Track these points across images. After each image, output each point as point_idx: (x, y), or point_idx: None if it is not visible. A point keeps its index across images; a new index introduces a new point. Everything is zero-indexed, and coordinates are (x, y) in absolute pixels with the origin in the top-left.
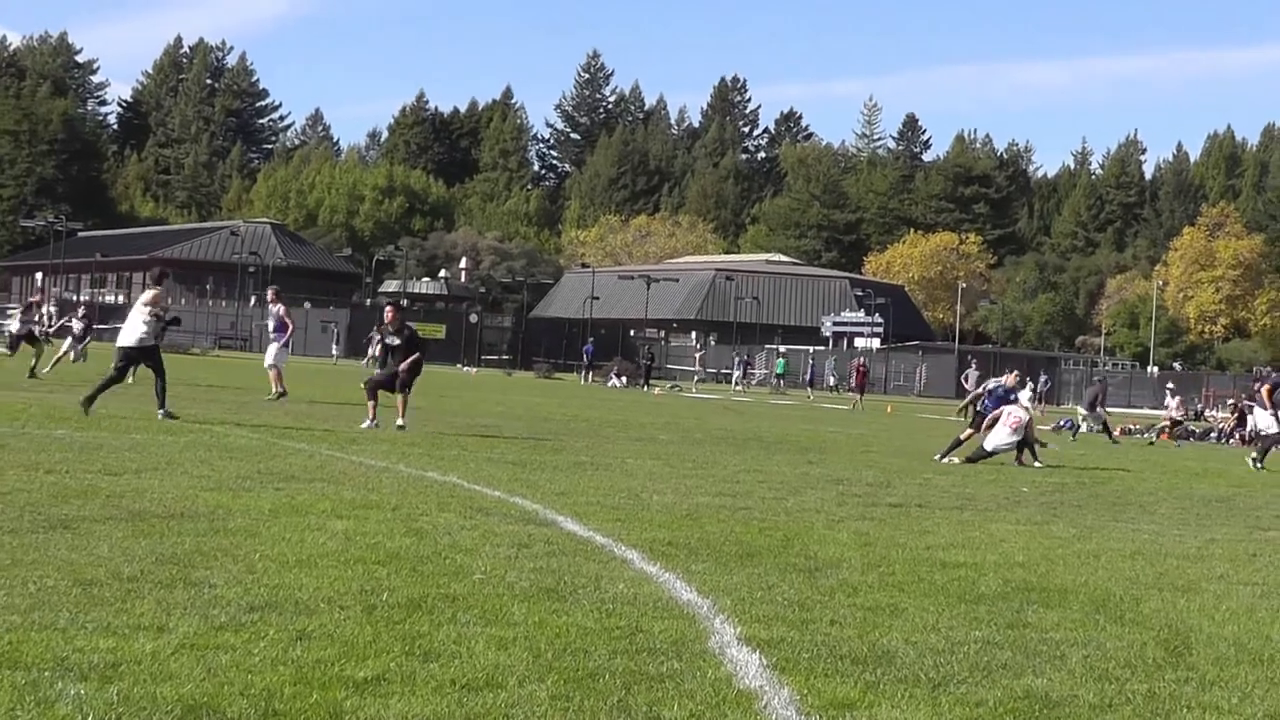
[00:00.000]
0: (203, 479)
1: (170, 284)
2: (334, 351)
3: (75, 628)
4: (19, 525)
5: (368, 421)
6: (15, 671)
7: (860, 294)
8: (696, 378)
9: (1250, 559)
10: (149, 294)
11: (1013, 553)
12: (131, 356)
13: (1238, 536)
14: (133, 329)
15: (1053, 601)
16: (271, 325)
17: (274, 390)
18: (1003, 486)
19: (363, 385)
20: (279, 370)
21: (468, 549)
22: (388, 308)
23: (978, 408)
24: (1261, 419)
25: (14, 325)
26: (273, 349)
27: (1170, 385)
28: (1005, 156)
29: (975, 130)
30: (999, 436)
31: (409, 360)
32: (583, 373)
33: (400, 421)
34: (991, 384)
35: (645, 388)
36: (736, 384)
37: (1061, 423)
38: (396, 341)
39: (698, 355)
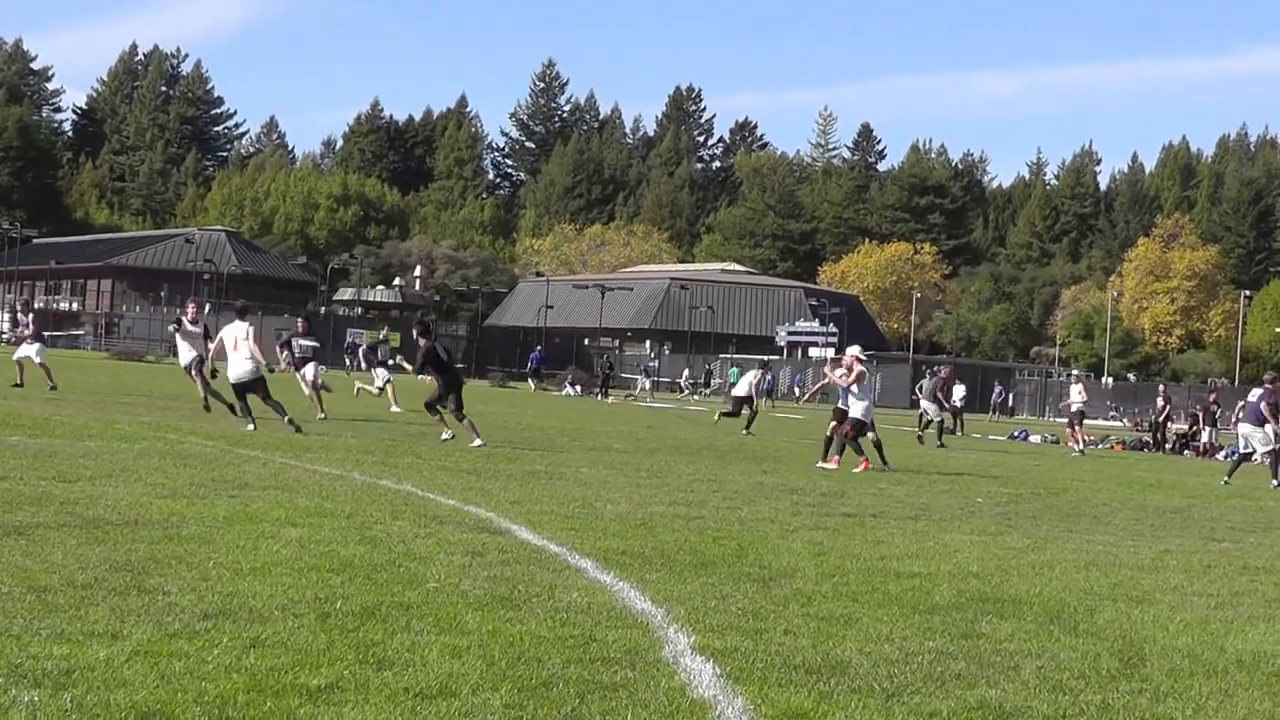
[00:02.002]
0: (157, 486)
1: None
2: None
3: (29, 634)
4: None
5: (446, 434)
6: None
7: (815, 304)
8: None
9: (1205, 570)
10: (247, 332)
11: (967, 563)
12: (242, 389)
13: (1192, 548)
14: (239, 365)
15: (1007, 612)
16: (30, 331)
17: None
18: (957, 497)
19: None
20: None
21: (422, 557)
22: (415, 329)
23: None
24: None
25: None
26: (36, 347)
27: (1074, 372)
28: (960, 167)
29: (930, 140)
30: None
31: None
32: (529, 380)
33: (444, 435)
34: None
35: (602, 397)
36: (707, 393)
37: (1016, 434)
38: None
39: (686, 371)
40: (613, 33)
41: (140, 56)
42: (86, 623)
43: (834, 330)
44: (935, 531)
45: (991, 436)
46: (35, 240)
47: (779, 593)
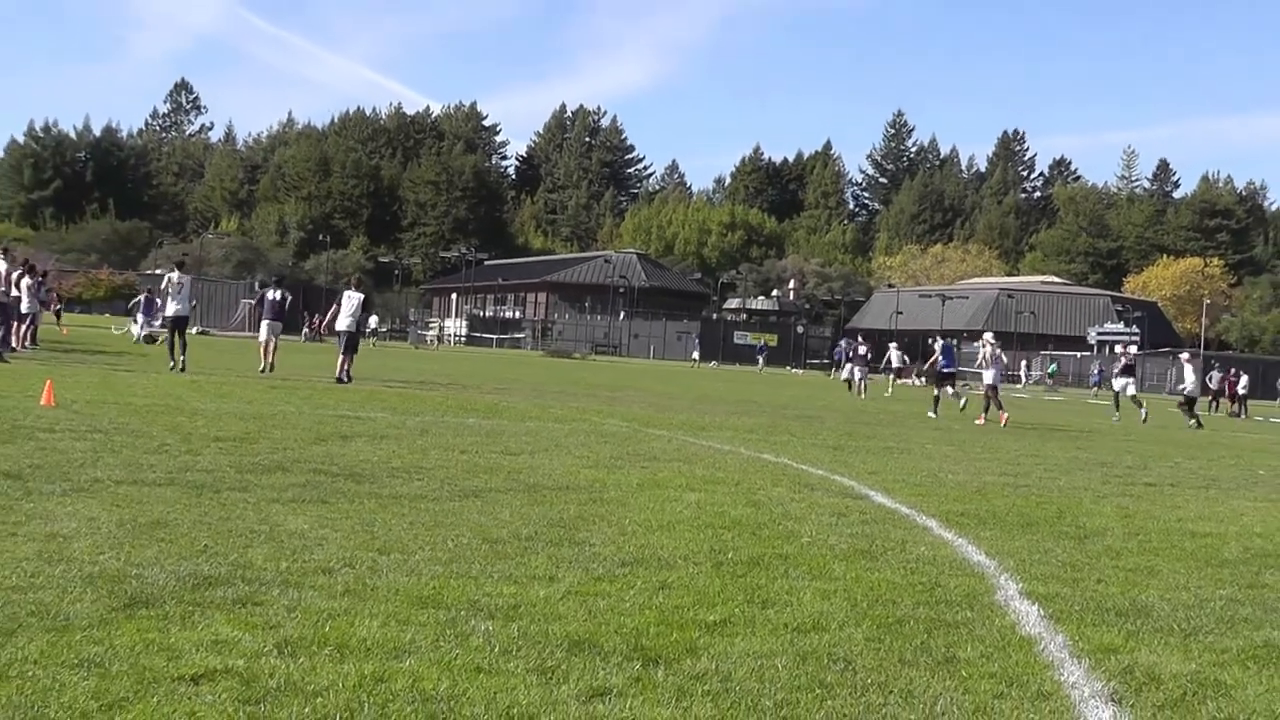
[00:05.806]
0: (583, 458)
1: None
2: (695, 356)
3: (484, 576)
4: (440, 494)
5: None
6: (438, 610)
7: (1120, 309)
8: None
9: None
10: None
11: (1252, 525)
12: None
13: None
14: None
15: None
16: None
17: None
18: (1242, 470)
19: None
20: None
21: (797, 517)
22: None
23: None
24: None
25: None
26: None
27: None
28: (1244, 193)
29: (1219, 171)
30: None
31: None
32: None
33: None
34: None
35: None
36: (1029, 383)
37: None
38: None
39: (1039, 358)
40: (951, 87)
41: (568, 114)
42: (529, 568)
43: (1136, 331)
44: (1224, 498)
45: (1274, 419)
46: (486, 262)
47: (1092, 548)
